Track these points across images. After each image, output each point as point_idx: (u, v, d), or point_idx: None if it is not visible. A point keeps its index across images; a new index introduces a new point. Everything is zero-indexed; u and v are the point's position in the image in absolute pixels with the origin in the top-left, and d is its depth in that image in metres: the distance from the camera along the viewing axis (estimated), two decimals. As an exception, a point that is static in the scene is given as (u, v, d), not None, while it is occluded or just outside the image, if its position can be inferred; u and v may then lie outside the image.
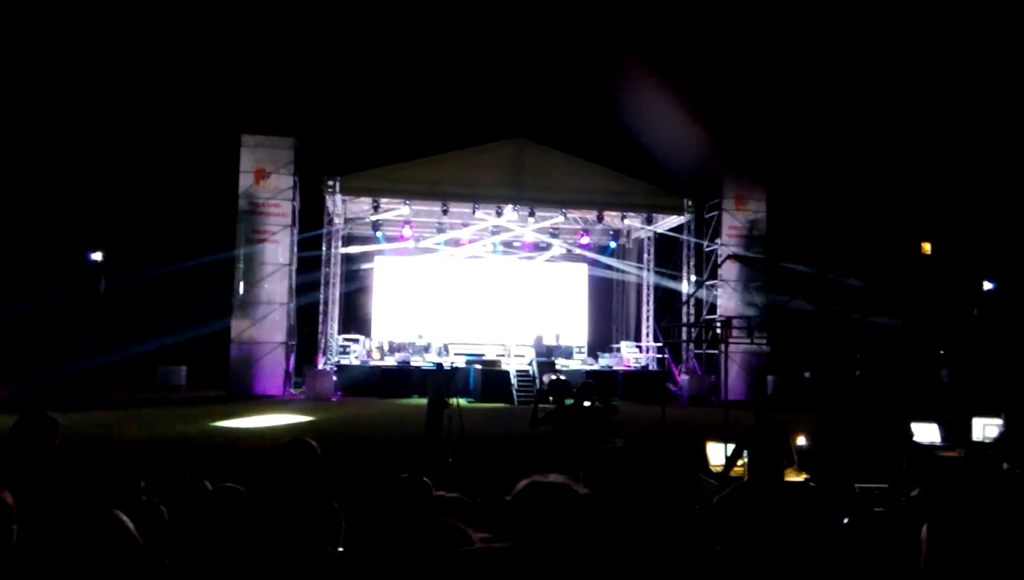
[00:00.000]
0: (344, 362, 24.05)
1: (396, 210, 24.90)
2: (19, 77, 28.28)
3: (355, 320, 27.22)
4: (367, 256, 28.35)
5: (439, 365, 14.61)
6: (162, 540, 2.87)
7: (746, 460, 6.56)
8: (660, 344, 26.16)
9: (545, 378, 20.23)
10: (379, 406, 20.19)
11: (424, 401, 13.35)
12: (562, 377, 15.48)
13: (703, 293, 25.52)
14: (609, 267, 30.07)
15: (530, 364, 24.05)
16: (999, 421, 9.60)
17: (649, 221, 26.23)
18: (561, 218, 26.51)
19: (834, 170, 33.26)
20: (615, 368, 25.59)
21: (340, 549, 3.52)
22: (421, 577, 1.96)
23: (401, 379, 22.80)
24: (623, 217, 25.94)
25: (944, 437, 9.68)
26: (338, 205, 24.55)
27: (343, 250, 25.92)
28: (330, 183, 23.04)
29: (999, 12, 30.91)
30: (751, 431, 6.51)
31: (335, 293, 24.91)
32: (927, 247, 28.97)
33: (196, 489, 3.80)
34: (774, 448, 6.43)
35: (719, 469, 7.55)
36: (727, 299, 24.84)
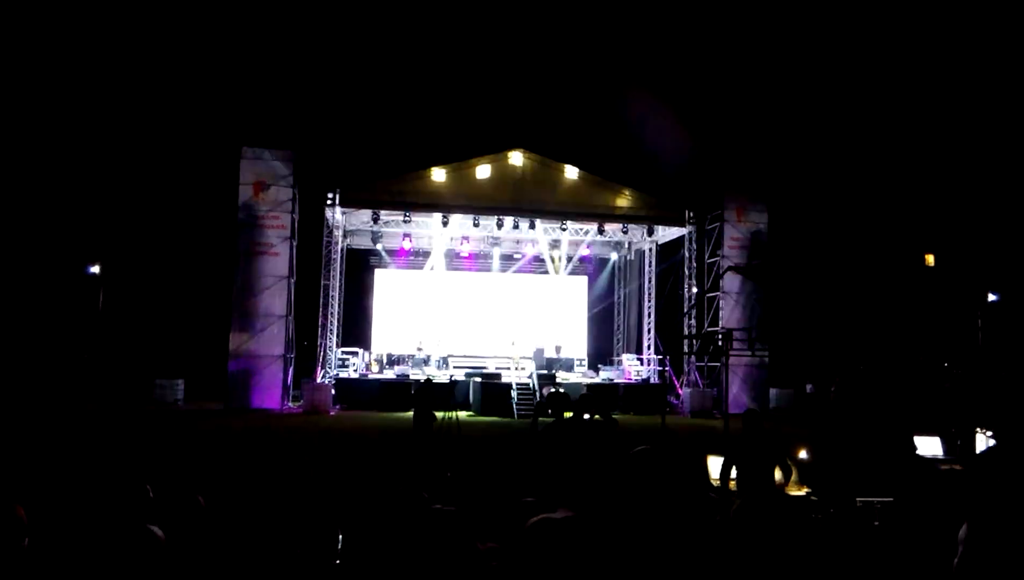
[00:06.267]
0: (343, 375, 23.94)
1: (395, 222, 24.89)
2: (20, 85, 28.36)
3: (354, 333, 27.11)
4: (367, 269, 28.34)
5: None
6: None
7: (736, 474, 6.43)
8: (661, 356, 26.03)
9: (544, 391, 20.08)
10: (375, 419, 20.02)
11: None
12: (561, 390, 15.39)
13: (704, 305, 25.41)
14: (610, 279, 30.10)
15: (530, 377, 23.89)
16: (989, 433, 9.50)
17: (650, 233, 26.15)
18: (562, 230, 26.42)
19: (837, 183, 33.18)
20: (616, 380, 25.43)
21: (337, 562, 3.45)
22: None
23: (400, 392, 22.63)
24: (624, 229, 25.80)
25: (946, 450, 9.51)
26: (338, 217, 24.53)
27: (342, 263, 25.90)
28: (329, 195, 23.15)
29: (998, 25, 30.90)
30: (737, 443, 6.39)
31: (334, 306, 24.83)
32: (931, 259, 28.81)
33: (191, 505, 3.72)
34: (763, 459, 6.28)
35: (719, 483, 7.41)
36: (728, 311, 24.71)
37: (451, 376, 22.27)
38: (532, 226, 25.08)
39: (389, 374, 24.87)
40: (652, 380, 26.09)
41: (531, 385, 23.25)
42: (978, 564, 1.61)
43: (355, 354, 25.21)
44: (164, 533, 3.04)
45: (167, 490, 3.72)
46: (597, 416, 8.42)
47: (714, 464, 8.19)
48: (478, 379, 23.32)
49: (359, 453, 13.69)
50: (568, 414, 8.02)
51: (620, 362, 27.69)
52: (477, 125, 34.12)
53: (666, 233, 26.68)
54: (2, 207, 26.48)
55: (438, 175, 23.68)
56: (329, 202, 23.26)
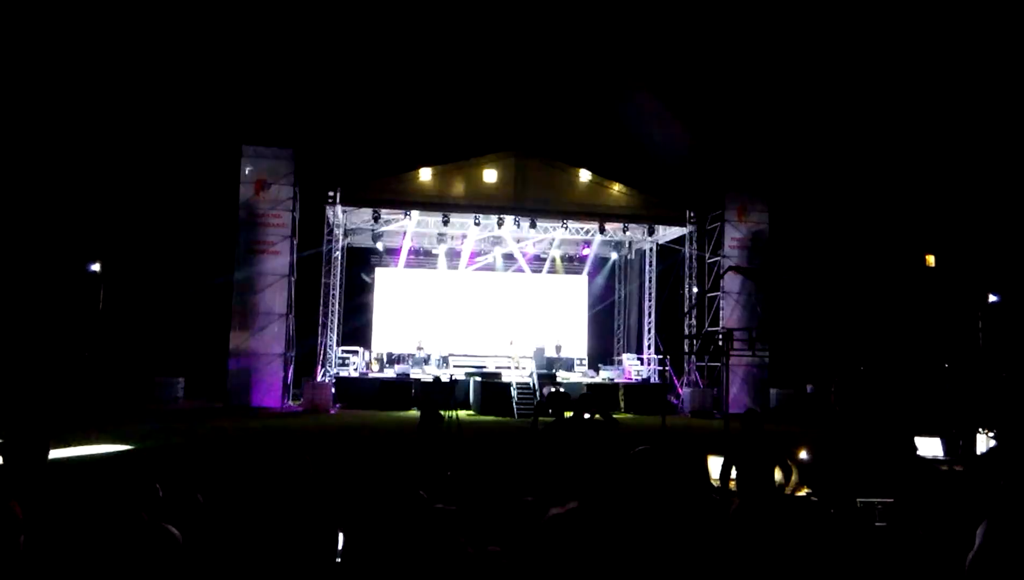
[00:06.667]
0: (343, 374, 23.95)
1: (397, 221, 24.93)
2: (20, 83, 28.36)
3: (354, 332, 27.12)
4: (367, 267, 28.35)
5: (436, 379, 14.65)
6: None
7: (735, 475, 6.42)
8: (661, 356, 26.03)
9: (545, 390, 20.06)
10: (375, 418, 20.03)
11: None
12: (561, 389, 15.38)
13: (705, 305, 25.41)
14: (611, 278, 30.11)
15: (530, 376, 23.90)
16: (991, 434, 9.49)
17: (651, 232, 26.17)
18: (563, 230, 26.43)
19: (838, 183, 33.16)
20: (616, 380, 25.43)
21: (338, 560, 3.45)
22: None
23: (400, 391, 22.65)
24: (625, 229, 25.79)
25: (946, 451, 9.52)
26: (339, 216, 24.55)
27: (343, 261, 25.91)
28: (330, 194, 23.21)
29: (998, 25, 30.88)
30: (737, 443, 6.39)
31: (335, 304, 24.84)
32: (931, 260, 28.78)
33: (191, 504, 3.71)
34: (763, 459, 6.28)
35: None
36: (729, 311, 24.70)
37: (451, 375, 22.27)
38: (533, 225, 25.12)
39: (389, 373, 24.89)
40: (652, 380, 26.10)
41: (531, 384, 23.25)
42: (994, 561, 1.61)
43: (355, 353, 25.23)
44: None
45: (167, 488, 3.72)
46: (597, 416, 8.41)
47: (714, 464, 8.20)
48: (478, 378, 23.33)
49: (360, 452, 13.69)
50: (568, 414, 8.02)
51: (620, 362, 27.70)
52: (478, 124, 34.12)
53: (667, 233, 26.67)
54: (2, 204, 26.48)
55: (439, 174, 23.72)
56: (330, 201, 23.31)
